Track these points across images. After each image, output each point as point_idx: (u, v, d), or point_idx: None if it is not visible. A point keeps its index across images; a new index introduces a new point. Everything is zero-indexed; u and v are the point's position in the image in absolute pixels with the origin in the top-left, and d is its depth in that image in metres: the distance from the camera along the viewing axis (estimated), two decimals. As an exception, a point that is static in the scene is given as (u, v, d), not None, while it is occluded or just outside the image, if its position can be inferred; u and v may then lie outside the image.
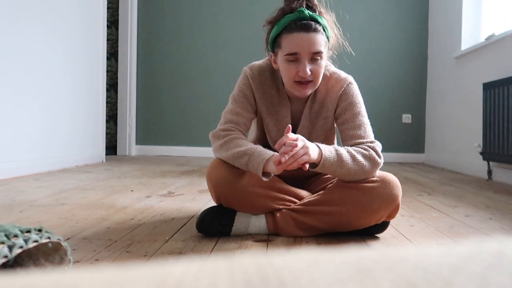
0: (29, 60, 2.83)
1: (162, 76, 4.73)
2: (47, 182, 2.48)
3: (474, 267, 0.18)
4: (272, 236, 1.35)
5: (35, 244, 0.60)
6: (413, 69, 4.61)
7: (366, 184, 1.29)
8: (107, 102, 4.61)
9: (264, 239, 1.31)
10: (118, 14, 4.66)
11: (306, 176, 1.55)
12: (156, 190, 2.25)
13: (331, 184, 1.38)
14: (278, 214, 1.34)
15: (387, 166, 3.84)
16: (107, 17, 4.45)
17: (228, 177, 1.31)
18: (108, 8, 4.50)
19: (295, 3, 1.32)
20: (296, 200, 1.38)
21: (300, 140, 1.19)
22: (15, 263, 0.63)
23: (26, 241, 0.59)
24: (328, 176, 1.49)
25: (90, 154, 3.67)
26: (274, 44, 1.36)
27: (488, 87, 3.02)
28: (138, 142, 4.76)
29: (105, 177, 2.73)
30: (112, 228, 1.41)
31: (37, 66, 2.92)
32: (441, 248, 0.20)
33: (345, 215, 1.30)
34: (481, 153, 3.11)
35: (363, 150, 1.28)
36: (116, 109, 4.74)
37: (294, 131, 1.48)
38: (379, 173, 1.32)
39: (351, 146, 1.33)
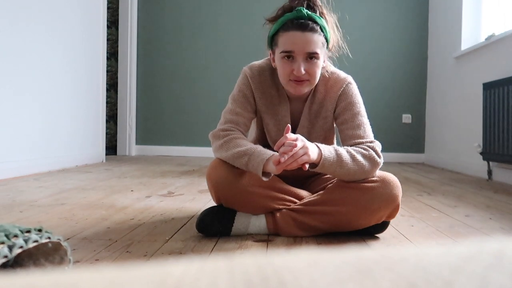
0: (29, 60, 2.83)
1: (162, 76, 4.73)
2: (47, 182, 2.48)
3: (474, 267, 0.18)
4: (272, 236, 1.35)
5: (35, 244, 0.60)
6: (413, 69, 4.61)
7: (366, 184, 1.29)
8: (107, 102, 4.61)
9: (264, 239, 1.31)
10: (118, 14, 4.66)
11: (306, 176, 1.55)
12: (156, 190, 2.25)
13: (331, 184, 1.38)
14: (278, 214, 1.34)
15: (387, 166, 3.84)
16: (107, 17, 4.45)
17: (228, 177, 1.31)
18: (108, 8, 4.50)
19: (296, 2, 1.32)
20: (296, 200, 1.38)
21: (300, 140, 1.19)
22: (15, 263, 0.63)
23: (26, 241, 0.59)
24: (328, 176, 1.49)
25: (90, 154, 3.67)
26: (272, 42, 1.36)
27: (488, 87, 3.02)
28: (138, 142, 4.76)
29: (105, 177, 2.73)
30: (112, 228, 1.41)
31: (37, 66, 2.92)
32: (441, 248, 0.20)
33: (345, 215, 1.30)
34: (481, 153, 3.11)
35: (362, 150, 1.28)
36: (116, 109, 4.74)
37: (293, 131, 1.48)
38: (379, 173, 1.32)
39: (351, 146, 1.33)
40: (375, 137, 1.38)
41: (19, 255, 0.62)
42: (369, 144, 1.31)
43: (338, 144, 1.48)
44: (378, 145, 1.32)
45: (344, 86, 1.42)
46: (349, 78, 1.44)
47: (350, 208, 1.29)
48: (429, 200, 2.10)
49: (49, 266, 0.65)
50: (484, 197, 2.24)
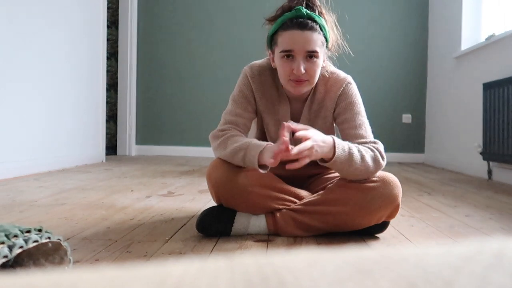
0: (29, 60, 2.83)
1: (162, 76, 4.73)
2: (47, 182, 2.48)
3: (474, 267, 0.18)
4: (272, 236, 1.35)
5: (35, 244, 0.60)
6: (413, 69, 4.61)
7: (366, 184, 1.29)
8: (107, 102, 4.61)
9: (264, 239, 1.31)
10: (118, 14, 4.66)
11: (306, 176, 1.55)
12: (156, 190, 2.25)
13: (331, 184, 1.38)
14: (278, 214, 1.34)
15: (387, 166, 3.83)
16: (107, 17, 4.45)
17: (228, 177, 1.31)
18: (108, 8, 4.50)
19: (295, 1, 1.32)
20: (296, 200, 1.38)
21: (310, 141, 1.17)
22: (15, 263, 0.63)
23: (26, 241, 0.59)
24: (328, 176, 1.49)
25: (90, 154, 3.67)
26: (271, 41, 1.36)
27: (488, 87, 3.02)
28: (138, 142, 4.76)
29: (105, 177, 2.73)
30: (112, 228, 1.41)
31: (37, 66, 2.92)
32: (441, 248, 0.20)
33: (345, 215, 1.30)
34: (481, 153, 3.11)
35: (370, 151, 1.28)
36: (116, 109, 4.74)
37: (293, 131, 1.48)
38: (379, 173, 1.32)
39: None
40: (375, 137, 1.38)
41: (19, 255, 0.62)
42: (373, 145, 1.31)
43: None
44: (381, 146, 1.32)
45: (344, 86, 1.42)
46: (349, 78, 1.44)
47: (350, 208, 1.29)
48: (429, 200, 2.10)
49: (49, 266, 0.65)
50: (484, 197, 2.24)
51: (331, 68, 1.46)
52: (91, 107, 3.70)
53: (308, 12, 1.29)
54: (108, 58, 4.60)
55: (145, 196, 2.05)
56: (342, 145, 1.24)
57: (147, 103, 4.74)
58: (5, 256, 0.55)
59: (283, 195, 1.36)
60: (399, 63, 4.61)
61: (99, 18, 3.78)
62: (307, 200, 1.36)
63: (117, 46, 4.66)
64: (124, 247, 1.19)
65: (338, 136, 1.50)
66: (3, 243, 0.56)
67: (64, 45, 3.25)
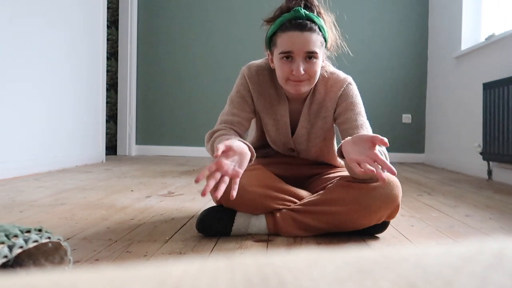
0: (29, 60, 2.83)
1: (162, 76, 4.73)
2: (47, 182, 2.48)
3: (474, 267, 0.18)
4: (272, 236, 1.35)
5: (35, 244, 0.60)
6: (413, 69, 4.61)
7: (366, 184, 1.29)
8: (107, 102, 4.61)
9: (264, 239, 1.31)
10: (118, 14, 4.66)
11: (306, 176, 1.55)
12: (156, 190, 2.25)
13: (331, 184, 1.38)
14: (278, 214, 1.34)
15: (387, 166, 3.83)
16: (107, 17, 4.45)
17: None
18: (108, 8, 4.50)
19: (293, 2, 1.32)
20: (296, 200, 1.38)
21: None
22: (15, 263, 0.63)
23: (26, 241, 0.59)
24: (328, 176, 1.49)
25: (90, 154, 3.67)
26: (270, 42, 1.36)
27: (488, 87, 3.02)
28: (138, 142, 4.76)
29: (105, 177, 2.73)
30: (112, 228, 1.41)
31: (37, 66, 2.92)
32: (441, 248, 0.20)
33: (345, 215, 1.30)
34: (481, 153, 3.11)
35: (381, 154, 1.26)
36: (116, 109, 4.74)
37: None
38: (379, 173, 1.32)
39: None
40: (375, 137, 1.37)
41: (19, 255, 0.62)
42: (378, 147, 1.30)
43: (337, 144, 1.48)
44: (385, 149, 1.32)
45: (344, 86, 1.42)
46: (349, 79, 1.44)
47: (350, 208, 1.29)
48: (429, 200, 2.10)
49: (49, 266, 0.65)
50: (484, 197, 2.24)
51: (331, 68, 1.46)
52: (91, 107, 3.70)
53: (307, 12, 1.29)
54: (108, 58, 4.60)
55: (145, 196, 2.05)
56: None
57: (147, 103, 4.74)
58: (5, 256, 0.55)
59: (283, 195, 1.36)
60: (399, 63, 4.61)
61: (99, 18, 3.78)
62: (307, 200, 1.36)
63: (117, 46, 4.66)
64: (124, 247, 1.19)
65: (337, 137, 1.50)
66: (3, 243, 0.56)
67: (64, 45, 3.25)
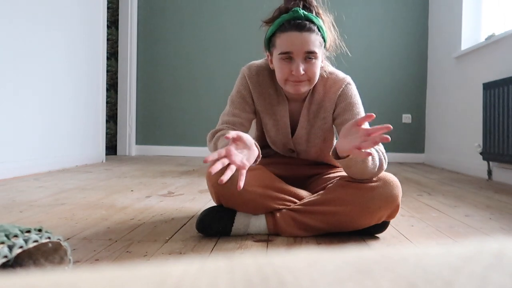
0: (29, 60, 2.83)
1: (162, 76, 4.73)
2: (47, 182, 2.48)
3: (474, 267, 0.18)
4: (272, 236, 1.35)
5: (35, 244, 0.60)
6: (413, 69, 4.61)
7: (366, 184, 1.29)
8: (107, 102, 4.61)
9: (264, 239, 1.31)
10: (118, 14, 4.66)
11: (306, 176, 1.55)
12: (156, 190, 2.25)
13: (331, 184, 1.38)
14: (278, 214, 1.34)
15: (387, 166, 3.83)
16: (107, 17, 4.45)
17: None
18: (108, 8, 4.50)
19: (292, 3, 1.32)
20: (296, 200, 1.38)
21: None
22: (15, 263, 0.63)
23: (26, 241, 0.59)
24: (328, 176, 1.49)
25: (90, 154, 3.67)
26: (269, 43, 1.36)
27: (488, 87, 3.02)
28: (138, 142, 4.76)
29: (105, 177, 2.73)
30: (112, 228, 1.41)
31: (37, 66, 2.92)
32: (441, 248, 0.20)
33: (345, 215, 1.30)
34: (481, 153, 3.11)
35: (376, 152, 1.26)
36: (116, 109, 4.74)
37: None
38: (379, 173, 1.32)
39: None
40: (375, 137, 1.37)
41: (19, 255, 0.62)
42: (377, 147, 1.30)
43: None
44: (383, 148, 1.32)
45: (343, 86, 1.41)
46: (348, 79, 1.44)
47: (350, 208, 1.29)
48: (429, 200, 2.10)
49: (49, 266, 0.65)
50: (484, 197, 2.24)
51: (330, 68, 1.46)
52: (91, 107, 3.70)
53: (306, 13, 1.30)
54: (108, 58, 4.60)
55: (145, 196, 2.05)
56: None
57: (147, 103, 4.74)
58: (5, 256, 0.55)
59: (283, 195, 1.36)
60: (399, 63, 4.61)
61: (99, 18, 3.78)
62: (307, 200, 1.36)
63: (117, 46, 4.66)
64: (124, 247, 1.19)
65: (336, 138, 1.50)
66: (3, 243, 0.56)
67: (64, 45, 3.25)
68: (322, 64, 1.37)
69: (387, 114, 4.59)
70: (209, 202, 1.85)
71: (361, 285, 0.16)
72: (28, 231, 0.61)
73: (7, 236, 0.57)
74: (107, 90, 4.62)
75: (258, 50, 1.57)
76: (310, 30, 1.28)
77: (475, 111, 3.37)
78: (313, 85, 1.38)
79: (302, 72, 1.28)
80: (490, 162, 3.06)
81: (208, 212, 1.34)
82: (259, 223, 1.35)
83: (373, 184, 1.29)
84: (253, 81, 1.43)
